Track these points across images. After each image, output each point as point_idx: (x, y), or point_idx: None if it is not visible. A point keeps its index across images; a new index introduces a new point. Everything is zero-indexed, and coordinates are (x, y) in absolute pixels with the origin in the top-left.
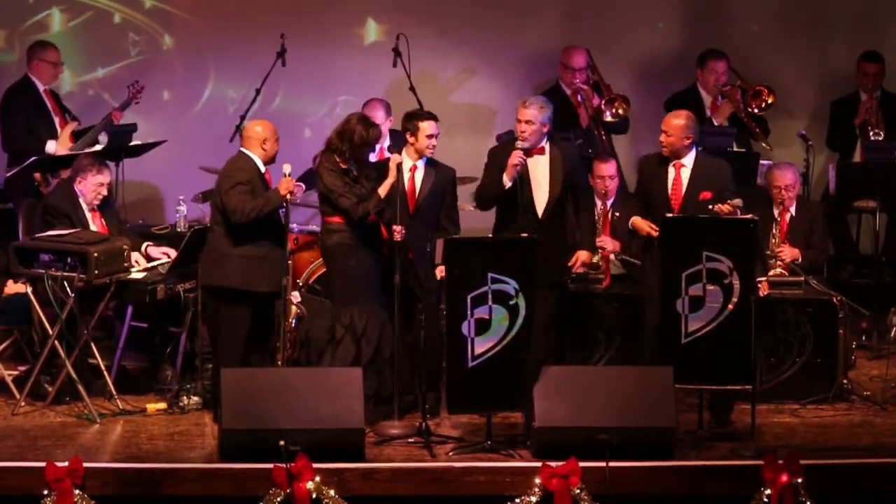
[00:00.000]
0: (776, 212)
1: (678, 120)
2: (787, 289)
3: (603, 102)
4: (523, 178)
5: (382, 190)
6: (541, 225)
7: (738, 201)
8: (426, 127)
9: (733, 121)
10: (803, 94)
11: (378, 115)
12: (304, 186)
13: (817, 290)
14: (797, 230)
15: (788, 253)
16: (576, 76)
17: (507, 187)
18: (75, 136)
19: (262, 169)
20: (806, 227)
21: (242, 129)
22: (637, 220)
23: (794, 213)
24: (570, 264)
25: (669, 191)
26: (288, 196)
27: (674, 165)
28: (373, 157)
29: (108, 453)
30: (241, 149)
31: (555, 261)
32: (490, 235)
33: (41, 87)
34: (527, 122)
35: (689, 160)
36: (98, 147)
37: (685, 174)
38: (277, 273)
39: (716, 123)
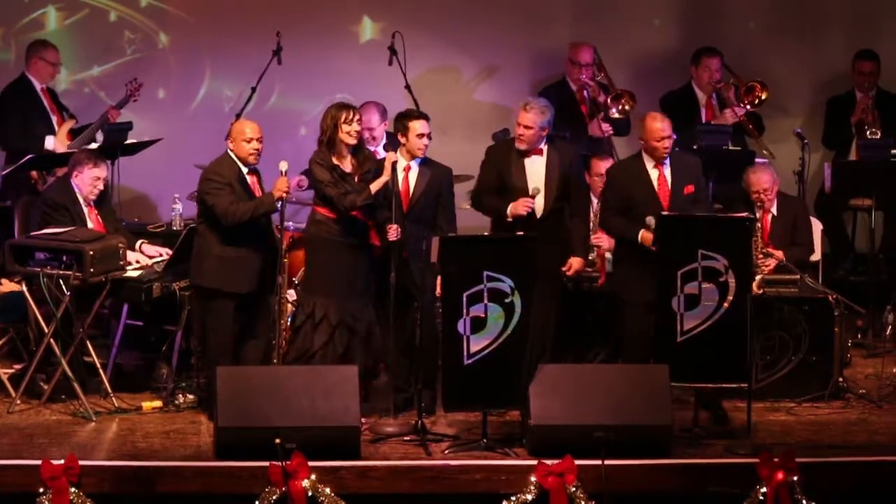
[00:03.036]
0: (758, 214)
1: (667, 122)
2: (783, 287)
3: (609, 99)
4: (518, 181)
5: (374, 186)
6: (540, 224)
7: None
8: (417, 126)
9: None
10: (799, 92)
11: (373, 119)
12: (306, 181)
13: (813, 289)
14: (780, 229)
15: (773, 261)
16: (582, 72)
17: (507, 220)
18: (73, 133)
19: (245, 169)
20: (789, 225)
21: None
22: (647, 235)
23: (775, 213)
24: (563, 269)
25: (657, 189)
26: (284, 196)
27: (656, 166)
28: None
29: (104, 451)
30: (227, 149)
31: (555, 260)
32: (486, 234)
33: (38, 86)
34: (525, 126)
35: (665, 158)
36: (94, 145)
37: (667, 171)
38: (253, 273)
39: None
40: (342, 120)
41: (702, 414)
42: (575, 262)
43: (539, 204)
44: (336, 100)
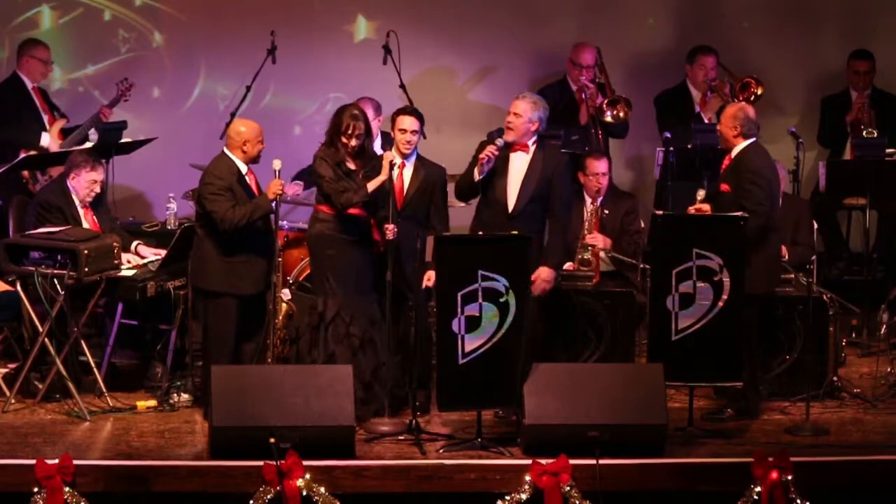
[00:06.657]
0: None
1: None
2: (778, 286)
3: (605, 102)
4: (497, 174)
5: (372, 185)
6: (510, 221)
7: None
8: (399, 121)
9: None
10: (794, 91)
11: (367, 113)
12: (302, 185)
13: (807, 287)
14: (784, 227)
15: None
16: (583, 73)
17: (476, 180)
18: (64, 133)
19: (244, 170)
20: (792, 223)
21: (227, 129)
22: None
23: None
24: (532, 278)
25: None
26: (278, 196)
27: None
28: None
29: (99, 450)
30: (224, 149)
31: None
32: (481, 233)
33: (29, 85)
34: (515, 113)
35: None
36: (88, 144)
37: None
38: (258, 275)
39: (705, 119)
40: (347, 126)
41: (697, 414)
42: (542, 272)
43: (511, 199)
44: (331, 99)
